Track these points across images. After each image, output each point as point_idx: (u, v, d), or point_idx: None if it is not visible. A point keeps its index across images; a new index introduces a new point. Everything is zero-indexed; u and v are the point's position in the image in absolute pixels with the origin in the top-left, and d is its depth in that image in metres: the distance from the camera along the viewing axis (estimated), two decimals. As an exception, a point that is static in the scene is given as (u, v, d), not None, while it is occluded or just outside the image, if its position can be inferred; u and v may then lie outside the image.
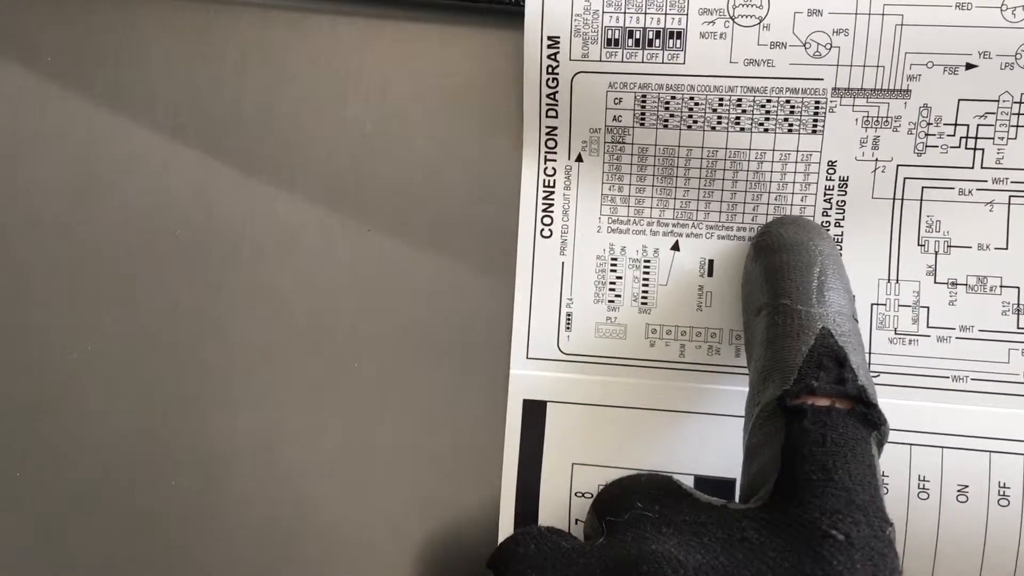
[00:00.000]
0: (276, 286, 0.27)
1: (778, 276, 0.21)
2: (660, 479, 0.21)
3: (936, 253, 0.24)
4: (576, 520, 0.26)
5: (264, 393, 0.28)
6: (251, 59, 0.27)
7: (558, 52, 0.24)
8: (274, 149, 0.27)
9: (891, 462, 0.24)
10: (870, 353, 0.24)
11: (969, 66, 0.23)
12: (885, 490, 0.24)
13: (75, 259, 0.27)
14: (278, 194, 0.27)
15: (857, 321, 0.21)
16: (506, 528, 0.26)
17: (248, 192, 0.27)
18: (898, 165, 0.24)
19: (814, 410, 0.19)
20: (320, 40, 0.26)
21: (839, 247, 0.24)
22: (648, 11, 0.24)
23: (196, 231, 0.27)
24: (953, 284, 0.24)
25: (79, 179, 0.27)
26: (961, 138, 0.23)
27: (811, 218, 0.24)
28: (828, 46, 0.23)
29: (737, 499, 0.20)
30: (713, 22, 0.23)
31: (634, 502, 0.20)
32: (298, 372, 0.27)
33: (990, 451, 0.24)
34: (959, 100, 0.23)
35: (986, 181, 0.23)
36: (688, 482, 0.25)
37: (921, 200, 0.24)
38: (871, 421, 0.19)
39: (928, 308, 0.24)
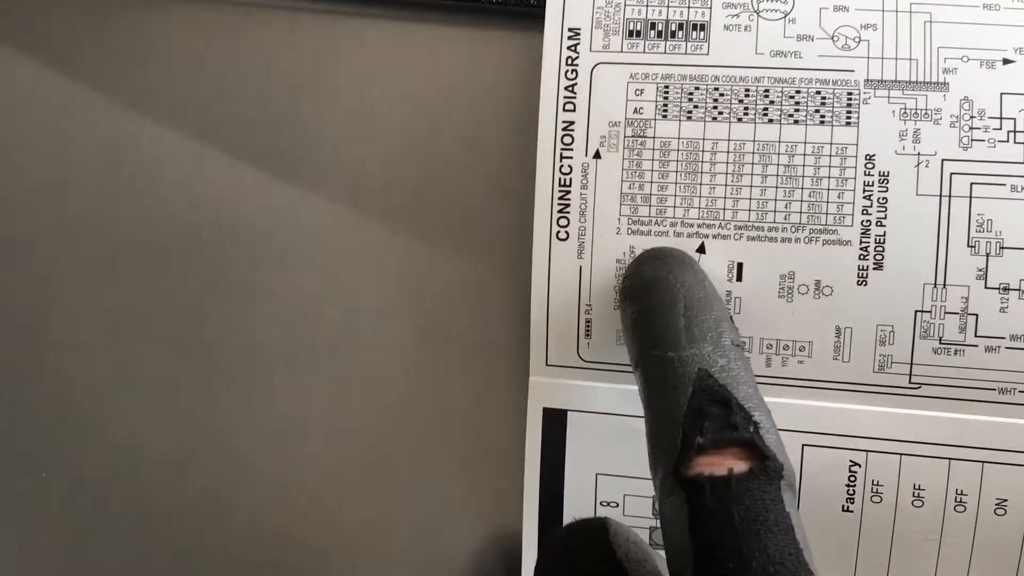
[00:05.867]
0: (301, 287, 0.29)
1: (643, 324, 0.21)
2: (595, 549, 0.20)
3: (987, 255, 0.23)
4: (603, 529, 0.27)
5: (287, 395, 0.29)
6: (280, 61, 0.28)
7: (578, 44, 0.25)
8: (301, 150, 0.28)
9: (928, 476, 0.24)
10: (911, 364, 0.24)
11: (1007, 61, 0.22)
12: (921, 503, 0.24)
13: (101, 260, 0.29)
14: (304, 195, 0.28)
15: (740, 345, 0.21)
16: (530, 536, 0.27)
17: (275, 193, 0.28)
18: (943, 159, 0.23)
19: (713, 484, 0.18)
20: (348, 43, 0.28)
21: (882, 247, 0.24)
22: (671, 4, 0.24)
23: (223, 232, 0.29)
24: (1005, 289, 0.23)
25: (107, 180, 0.29)
26: (1009, 132, 0.23)
27: (673, 248, 0.24)
28: (857, 39, 0.23)
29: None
30: (737, 15, 0.24)
31: None
32: (321, 374, 0.29)
33: (1034, 465, 0.24)
34: (1001, 94, 0.22)
35: (1040, 177, 0.23)
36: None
37: (970, 197, 0.23)
38: (774, 473, 0.18)
39: (977, 316, 0.23)
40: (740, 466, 0.18)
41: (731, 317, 0.21)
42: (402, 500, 0.29)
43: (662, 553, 0.20)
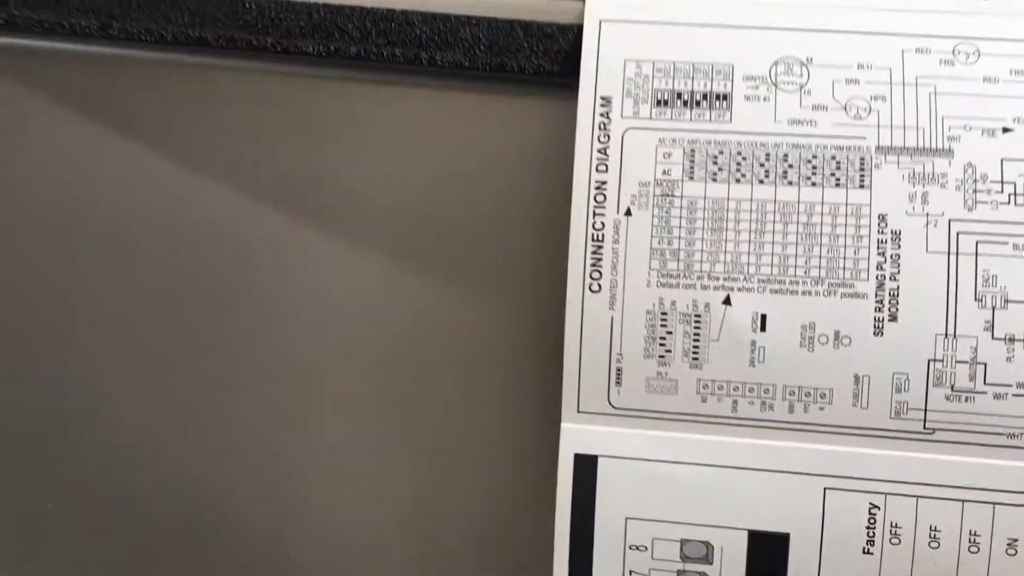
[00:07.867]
0: (343, 335, 0.30)
1: None
2: None
3: (994, 308, 0.25)
4: (631, 572, 0.28)
5: (317, 435, 0.31)
6: (329, 127, 0.30)
7: (610, 111, 0.27)
8: (345, 211, 0.30)
9: (943, 518, 0.26)
10: (926, 410, 0.26)
11: (1006, 130, 0.25)
12: (937, 544, 0.26)
13: (154, 321, 0.31)
14: (347, 252, 0.30)
15: None
16: (560, 577, 0.28)
17: (320, 250, 0.30)
18: (950, 220, 0.25)
19: None
20: (390, 109, 0.30)
21: (896, 300, 0.26)
22: (695, 76, 0.26)
23: (269, 285, 0.31)
24: (1011, 340, 0.25)
25: (159, 239, 0.31)
26: (1009, 195, 0.25)
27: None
28: (868, 109, 0.25)
29: None
30: (757, 87, 0.26)
31: None
32: (356, 418, 0.30)
33: (1042, 507, 0.25)
34: (1002, 160, 0.25)
35: (1040, 236, 0.25)
36: (742, 538, 0.27)
37: (976, 254, 0.25)
38: None
39: (985, 364, 0.25)
40: None
41: None
42: (432, 538, 0.30)
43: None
